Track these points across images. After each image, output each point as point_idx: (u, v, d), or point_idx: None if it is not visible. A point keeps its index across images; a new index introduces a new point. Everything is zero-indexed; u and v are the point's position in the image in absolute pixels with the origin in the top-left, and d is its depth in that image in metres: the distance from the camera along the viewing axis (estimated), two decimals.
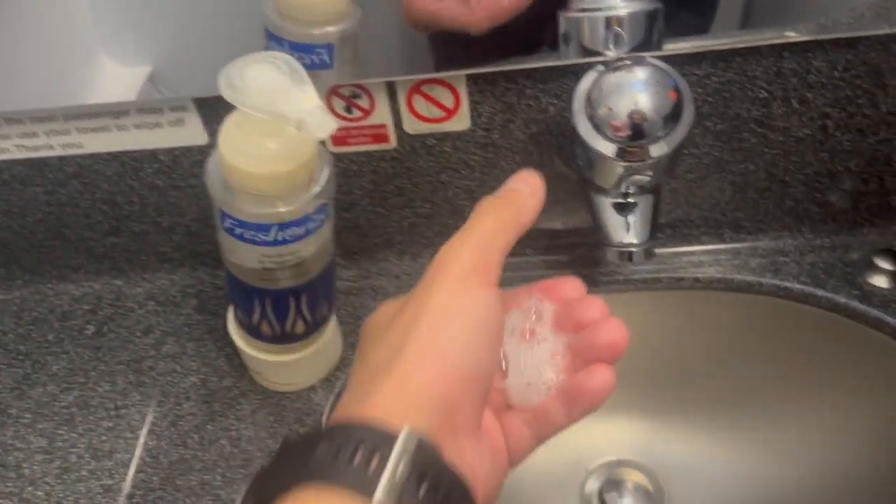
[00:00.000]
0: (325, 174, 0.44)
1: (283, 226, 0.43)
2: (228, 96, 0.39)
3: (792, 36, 0.48)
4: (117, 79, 0.57)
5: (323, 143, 0.55)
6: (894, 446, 0.56)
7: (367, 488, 0.25)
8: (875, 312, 0.55)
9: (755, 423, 0.62)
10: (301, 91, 0.39)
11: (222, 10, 0.55)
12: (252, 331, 0.52)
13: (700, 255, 0.61)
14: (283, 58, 0.40)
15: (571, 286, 0.38)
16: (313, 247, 0.46)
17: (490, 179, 0.58)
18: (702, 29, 0.57)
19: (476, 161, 0.57)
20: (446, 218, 0.61)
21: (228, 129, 0.42)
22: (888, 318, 0.55)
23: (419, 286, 0.33)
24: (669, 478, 0.62)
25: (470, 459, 0.30)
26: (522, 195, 0.37)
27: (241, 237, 0.44)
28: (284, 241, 0.44)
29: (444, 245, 0.34)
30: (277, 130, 0.41)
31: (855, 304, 0.56)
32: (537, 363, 0.36)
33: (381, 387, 0.29)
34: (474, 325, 0.31)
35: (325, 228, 0.46)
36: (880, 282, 0.56)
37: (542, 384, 0.35)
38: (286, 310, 0.49)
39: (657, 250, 0.61)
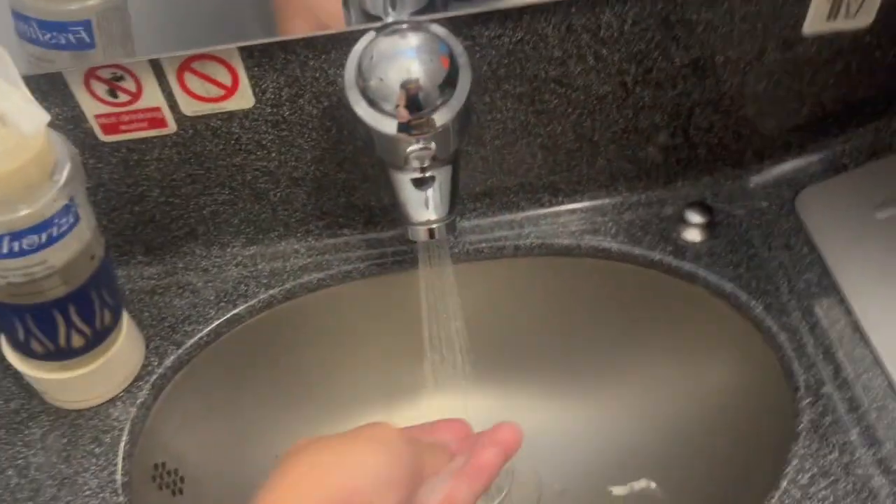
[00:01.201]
0: (65, 170, 0.39)
1: (15, 235, 0.38)
2: None
3: None
4: None
5: (89, 132, 0.49)
6: (713, 385, 0.57)
7: None
8: (687, 266, 0.55)
9: (586, 381, 0.62)
10: (3, 82, 0.34)
11: None
12: (22, 349, 0.47)
13: (521, 223, 0.59)
14: None
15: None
16: (67, 253, 0.41)
17: (290, 159, 0.54)
18: None
19: (269, 140, 0.52)
20: (250, 203, 0.56)
21: None
22: (700, 272, 0.55)
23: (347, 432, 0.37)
24: None
25: None
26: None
27: None
28: (23, 252, 0.39)
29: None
30: None
31: (669, 259, 0.56)
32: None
33: (287, 487, 0.34)
34: (368, 467, 0.35)
35: (79, 231, 0.41)
36: (692, 235, 0.57)
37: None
38: (53, 325, 0.44)
39: (478, 220, 0.59)
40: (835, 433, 0.46)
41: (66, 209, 0.39)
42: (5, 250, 0.38)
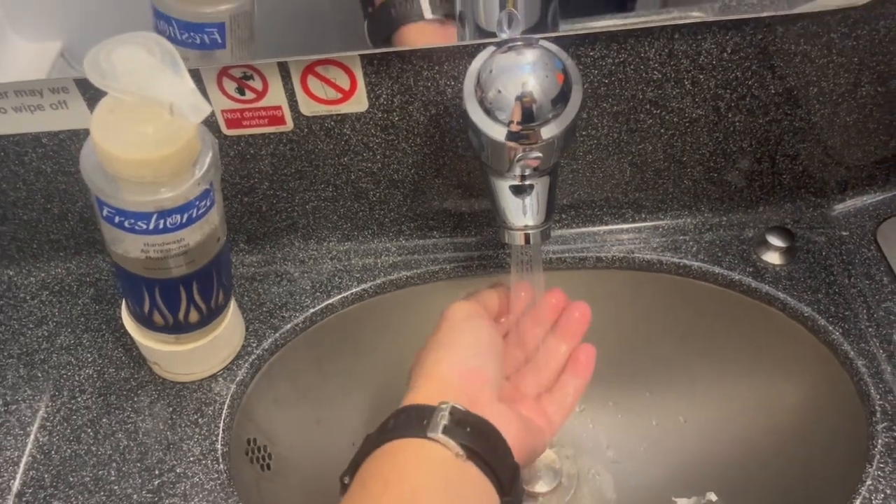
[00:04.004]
0: (208, 158, 0.43)
1: (163, 213, 0.42)
2: (95, 80, 0.37)
3: (680, 17, 0.49)
4: (27, 55, 0.55)
5: (213, 125, 0.53)
6: (786, 406, 0.58)
7: (424, 433, 0.39)
8: (766, 288, 0.57)
9: (659, 393, 0.63)
10: (173, 74, 0.37)
11: None
12: (144, 321, 0.50)
13: (604, 235, 0.62)
14: (154, 38, 0.38)
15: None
16: (199, 234, 0.45)
17: (392, 162, 0.57)
18: (626, 6, 0.58)
19: (377, 143, 0.56)
20: (350, 201, 0.60)
21: (101, 113, 0.40)
22: (779, 294, 0.56)
23: (441, 323, 0.48)
24: (580, 455, 0.63)
25: (496, 421, 0.41)
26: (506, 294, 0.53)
27: (121, 226, 0.42)
28: (167, 229, 0.43)
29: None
30: (152, 114, 0.39)
31: (749, 280, 0.57)
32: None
33: (423, 385, 0.43)
34: (475, 342, 0.46)
35: (211, 215, 0.45)
36: (772, 258, 0.58)
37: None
38: (177, 299, 0.48)
39: (562, 231, 0.62)
40: None
41: (205, 193, 0.43)
42: (152, 226, 0.42)
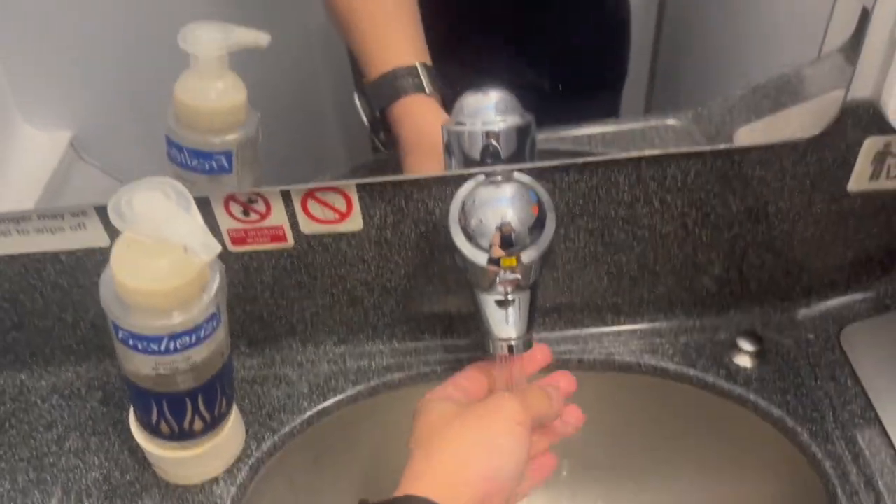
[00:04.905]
0: (215, 284, 0.47)
1: (174, 336, 0.46)
2: (117, 224, 0.41)
3: (642, 151, 0.54)
4: (37, 144, 0.59)
5: (219, 242, 0.58)
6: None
7: None
8: (739, 390, 0.60)
9: (638, 489, 0.66)
10: (186, 215, 0.42)
11: (143, 77, 0.58)
12: (151, 430, 0.54)
13: (585, 338, 0.65)
14: (171, 183, 0.43)
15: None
16: (206, 351, 0.49)
17: (385, 272, 0.61)
18: (612, 112, 0.64)
19: (371, 256, 0.60)
20: (346, 307, 0.64)
21: (119, 248, 0.44)
22: (750, 396, 0.60)
23: (477, 410, 0.46)
24: None
25: None
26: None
27: (134, 348, 0.46)
28: (176, 350, 0.46)
29: (501, 393, 0.49)
30: (166, 249, 0.44)
31: (722, 382, 0.61)
32: None
33: (435, 476, 0.42)
34: (508, 455, 0.44)
35: (217, 333, 0.49)
36: (743, 361, 0.62)
37: None
38: (183, 411, 0.51)
39: (546, 334, 0.66)
40: None
41: (213, 316, 0.47)
42: (163, 348, 0.46)
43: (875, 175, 0.56)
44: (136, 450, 0.60)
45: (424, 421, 0.47)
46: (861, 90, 0.52)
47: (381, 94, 0.55)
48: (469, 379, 0.53)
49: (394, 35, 0.55)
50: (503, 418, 0.45)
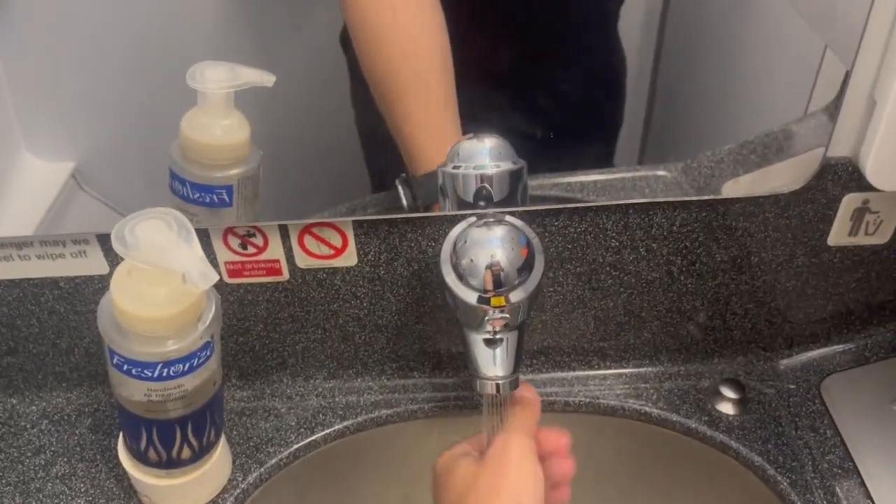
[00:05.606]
0: (211, 314, 0.48)
1: (167, 363, 0.47)
2: (120, 251, 0.43)
3: (631, 199, 0.56)
4: (39, 174, 0.60)
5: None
6: None
7: None
8: (721, 437, 0.61)
9: None
10: (186, 245, 0.43)
11: (146, 109, 0.59)
12: (139, 456, 0.54)
13: (571, 381, 0.66)
14: (173, 214, 0.45)
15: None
16: (198, 380, 0.50)
17: (377, 309, 0.63)
18: (606, 161, 0.67)
19: (364, 293, 0.61)
20: (337, 343, 0.65)
21: (120, 275, 0.46)
22: (732, 443, 0.61)
23: (491, 460, 0.46)
24: None
25: None
26: (534, 401, 0.52)
27: (128, 373, 0.47)
28: (169, 377, 0.47)
29: (506, 434, 0.48)
30: (165, 277, 0.45)
31: (704, 428, 0.62)
32: None
33: None
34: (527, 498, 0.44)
35: (210, 362, 0.50)
36: (726, 409, 0.63)
37: None
38: (172, 438, 0.52)
39: (532, 376, 0.67)
40: None
41: (207, 345, 0.48)
42: (156, 374, 0.47)
43: (854, 231, 0.58)
44: (122, 477, 0.60)
45: (449, 480, 0.48)
46: (841, 148, 0.54)
47: (432, 191, 0.56)
48: (471, 442, 0.53)
49: (447, 126, 0.56)
50: (515, 461, 0.46)
